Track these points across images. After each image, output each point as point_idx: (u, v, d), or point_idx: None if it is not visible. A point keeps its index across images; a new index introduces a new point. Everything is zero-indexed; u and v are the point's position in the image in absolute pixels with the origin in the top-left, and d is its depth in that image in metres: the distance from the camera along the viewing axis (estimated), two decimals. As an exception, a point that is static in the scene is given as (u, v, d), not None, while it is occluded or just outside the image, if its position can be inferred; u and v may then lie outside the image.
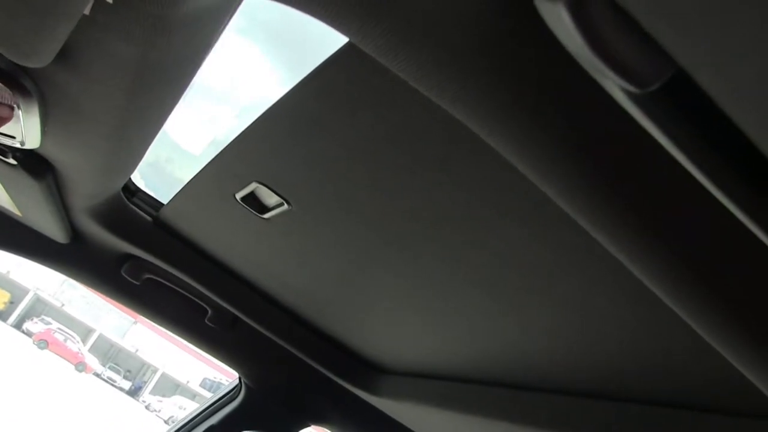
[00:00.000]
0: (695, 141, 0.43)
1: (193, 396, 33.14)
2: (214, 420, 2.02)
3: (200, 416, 2.06)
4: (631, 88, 0.39)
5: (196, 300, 1.96)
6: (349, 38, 0.60)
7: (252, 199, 1.34)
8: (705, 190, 0.48)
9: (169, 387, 35.09)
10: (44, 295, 34.07)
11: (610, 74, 0.39)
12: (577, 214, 0.64)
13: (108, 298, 2.09)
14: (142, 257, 1.87)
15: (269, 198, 1.31)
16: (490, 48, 0.52)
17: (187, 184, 1.51)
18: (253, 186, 1.29)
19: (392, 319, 1.55)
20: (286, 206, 1.27)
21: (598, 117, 0.54)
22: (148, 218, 1.78)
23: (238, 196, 1.35)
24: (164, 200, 1.71)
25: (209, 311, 1.97)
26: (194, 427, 2.05)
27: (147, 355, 35.92)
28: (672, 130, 0.43)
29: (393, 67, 0.59)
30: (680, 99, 0.40)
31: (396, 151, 0.95)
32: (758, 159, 0.39)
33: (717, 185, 0.46)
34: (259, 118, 1.07)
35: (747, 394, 0.76)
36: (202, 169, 1.39)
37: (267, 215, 1.35)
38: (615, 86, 0.41)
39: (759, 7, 0.29)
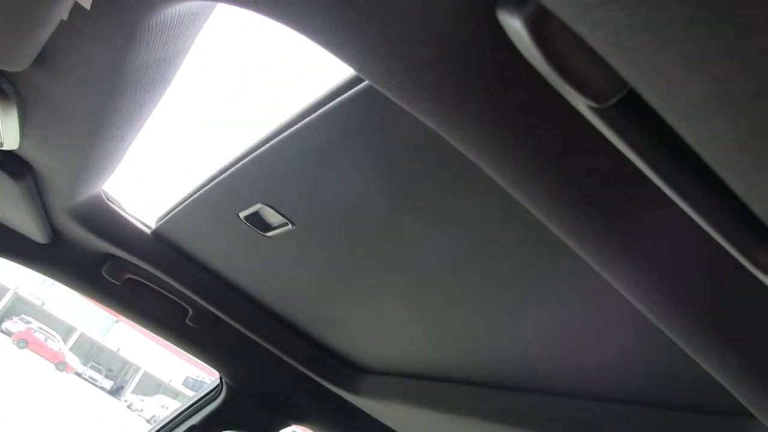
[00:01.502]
0: (654, 150, 0.45)
1: (175, 395, 32.95)
2: (195, 420, 2.02)
3: (181, 416, 2.06)
4: (590, 103, 0.41)
5: (177, 300, 1.96)
6: (327, 50, 0.61)
7: (256, 219, 1.35)
8: (669, 199, 0.50)
9: (152, 386, 34.86)
10: (24, 294, 33.70)
11: (569, 89, 0.40)
12: (545, 219, 0.66)
13: (89, 299, 2.09)
14: (123, 257, 1.86)
15: (273, 218, 1.32)
16: (457, 59, 0.54)
17: (191, 199, 1.52)
18: (258, 207, 1.30)
19: (372, 319, 1.56)
20: (290, 226, 1.29)
21: (563, 126, 0.56)
22: (146, 229, 1.80)
23: (242, 215, 1.36)
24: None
25: (190, 311, 1.97)
26: (175, 427, 2.05)
27: (129, 354, 35.66)
28: (632, 140, 0.45)
29: (369, 78, 0.60)
30: (637, 111, 0.42)
31: (399, 183, 0.99)
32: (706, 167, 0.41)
33: (677, 191, 0.48)
34: (271, 144, 1.08)
35: (721, 393, 0.79)
36: (207, 187, 1.40)
37: (270, 234, 1.37)
38: (576, 99, 0.42)
39: (691, 41, 0.32)
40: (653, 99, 0.36)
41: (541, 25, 0.39)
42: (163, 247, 1.81)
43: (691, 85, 0.33)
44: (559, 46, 0.39)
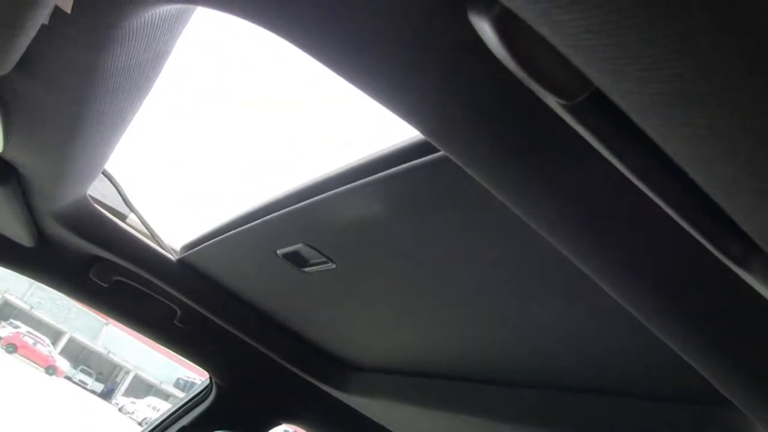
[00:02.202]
0: (624, 145, 0.46)
1: (166, 397, 32.82)
2: (185, 420, 2.02)
3: (172, 417, 2.06)
4: (559, 100, 0.42)
5: (165, 301, 1.96)
6: (305, 52, 0.62)
7: (294, 256, 1.37)
8: (645, 194, 0.52)
9: (143, 388, 34.71)
10: (12, 299, 33.45)
11: (538, 87, 0.42)
12: (525, 215, 0.67)
13: (77, 301, 2.09)
14: (110, 259, 1.86)
15: (313, 257, 1.33)
16: (436, 61, 0.55)
17: (225, 236, 1.54)
18: (298, 247, 1.32)
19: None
20: (330, 265, 1.30)
21: (540, 122, 0.57)
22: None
23: (281, 252, 1.38)
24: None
25: (178, 312, 1.97)
26: (166, 429, 2.05)
27: (119, 357, 35.49)
28: (602, 135, 0.46)
29: (347, 78, 0.61)
30: (605, 108, 0.43)
31: (438, 241, 1.04)
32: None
33: (648, 186, 0.49)
34: (325, 195, 1.09)
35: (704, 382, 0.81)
36: (246, 226, 1.41)
37: (307, 269, 1.39)
38: (546, 97, 0.44)
39: (645, 43, 0.32)
40: (615, 97, 0.38)
41: (507, 26, 0.40)
42: (160, 255, 1.82)
43: (647, 84, 0.34)
44: (525, 46, 0.41)
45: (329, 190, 1.06)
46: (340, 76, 0.63)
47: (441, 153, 0.79)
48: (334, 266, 1.29)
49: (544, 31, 0.36)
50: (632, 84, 0.35)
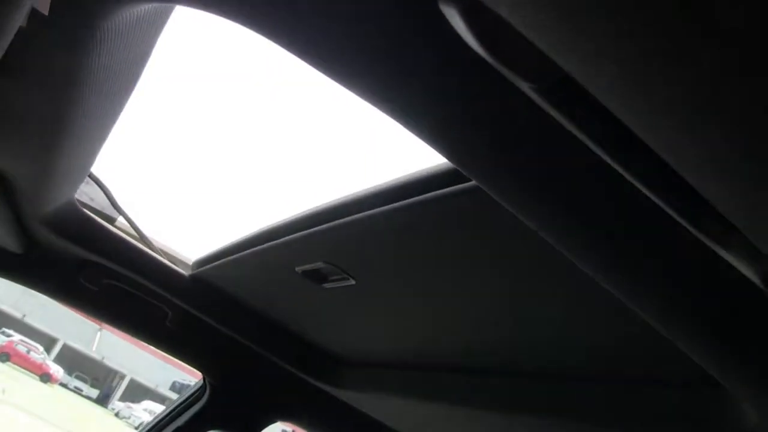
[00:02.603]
0: (594, 125, 0.47)
1: (162, 400, 32.72)
2: (180, 422, 2.02)
3: (166, 418, 2.06)
4: (530, 84, 0.43)
5: (157, 303, 1.96)
6: (278, 44, 0.62)
7: (314, 273, 1.38)
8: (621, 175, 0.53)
9: (138, 393, 34.60)
10: (4, 307, 33.25)
11: (507, 73, 0.42)
12: (504, 202, 0.68)
13: (68, 306, 2.08)
14: (100, 263, 1.86)
15: (333, 273, 1.34)
16: (407, 51, 0.56)
17: (242, 254, 1.55)
18: (318, 264, 1.32)
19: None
20: (350, 281, 1.31)
21: (513, 107, 0.58)
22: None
23: (300, 269, 1.38)
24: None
25: (169, 313, 1.97)
26: (161, 430, 2.04)
27: (114, 362, 35.36)
28: (573, 116, 0.47)
29: (322, 70, 0.62)
30: (576, 90, 0.44)
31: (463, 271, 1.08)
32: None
33: (621, 165, 0.50)
34: (352, 218, 1.09)
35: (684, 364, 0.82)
36: (266, 245, 1.41)
37: (326, 285, 1.40)
38: (518, 81, 0.44)
39: (599, 23, 0.33)
40: (579, 77, 0.38)
41: (474, 13, 0.41)
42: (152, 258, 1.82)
43: (605, 65, 0.35)
44: (493, 33, 0.41)
45: (355, 213, 1.07)
46: (314, 66, 0.63)
47: (468, 184, 0.81)
48: (353, 282, 1.31)
49: (503, 10, 0.36)
50: (591, 64, 0.36)
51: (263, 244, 1.42)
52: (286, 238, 1.31)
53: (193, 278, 1.87)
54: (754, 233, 0.48)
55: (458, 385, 1.53)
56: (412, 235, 1.05)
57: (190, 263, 1.94)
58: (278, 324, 1.92)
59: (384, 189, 1.00)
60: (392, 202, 0.97)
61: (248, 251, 1.50)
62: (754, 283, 0.57)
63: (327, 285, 1.39)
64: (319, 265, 1.32)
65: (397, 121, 0.68)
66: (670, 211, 0.53)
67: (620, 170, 0.51)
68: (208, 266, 1.77)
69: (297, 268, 1.38)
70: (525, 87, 0.45)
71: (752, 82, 0.33)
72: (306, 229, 1.23)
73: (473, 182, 0.78)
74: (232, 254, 1.60)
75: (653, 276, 0.72)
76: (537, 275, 0.97)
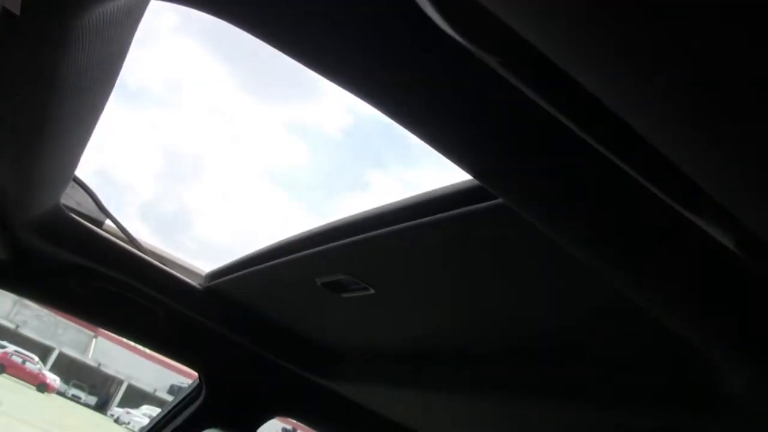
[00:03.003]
0: (558, 94, 0.47)
1: (161, 404, 32.65)
2: (178, 422, 2.02)
3: (164, 419, 2.06)
4: (497, 59, 0.43)
5: (149, 305, 1.95)
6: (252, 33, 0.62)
7: (335, 285, 1.38)
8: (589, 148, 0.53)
9: (136, 398, 34.54)
10: (-3, 319, 33.13)
11: (472, 48, 0.42)
12: (478, 178, 0.69)
13: (61, 313, 2.08)
14: (90, 267, 1.85)
15: (353, 284, 1.35)
16: (376, 32, 0.56)
17: (261, 267, 1.55)
18: (339, 276, 1.33)
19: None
20: (370, 291, 1.32)
21: (481, 84, 0.58)
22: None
23: (320, 281, 1.39)
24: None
25: (162, 314, 1.96)
26: (159, 431, 2.04)
27: (110, 368, 35.27)
28: (541, 89, 0.47)
29: (295, 56, 0.62)
30: (541, 63, 0.44)
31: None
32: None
33: (594, 138, 0.50)
34: (375, 233, 1.10)
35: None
36: (286, 258, 1.42)
37: (345, 295, 1.40)
38: (485, 57, 0.44)
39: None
40: (543, 49, 0.38)
41: None
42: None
43: (561, 32, 0.35)
44: (454, 7, 0.41)
45: (379, 228, 1.08)
46: (283, 51, 0.64)
47: (493, 202, 0.82)
48: (372, 292, 1.32)
49: None
50: (554, 35, 0.36)
51: (284, 257, 1.43)
52: (309, 251, 1.32)
53: (207, 290, 1.88)
54: (727, 200, 0.49)
55: (454, 374, 1.54)
56: (436, 250, 1.07)
57: (201, 273, 1.95)
58: (278, 325, 1.92)
59: (410, 204, 1.01)
60: (418, 218, 0.99)
61: (268, 264, 1.51)
62: (728, 249, 0.58)
63: (346, 295, 1.40)
64: (340, 276, 1.33)
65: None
66: (641, 178, 0.53)
67: (595, 144, 0.51)
68: (223, 279, 1.79)
69: (318, 280, 1.39)
70: (493, 63, 0.46)
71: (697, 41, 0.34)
72: (329, 243, 1.24)
73: (498, 200, 0.80)
74: (249, 267, 1.62)
75: (625, 245, 0.72)
76: (542, 281, 1.01)
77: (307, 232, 1.33)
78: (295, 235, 1.38)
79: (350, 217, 1.18)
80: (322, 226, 1.27)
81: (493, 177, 0.74)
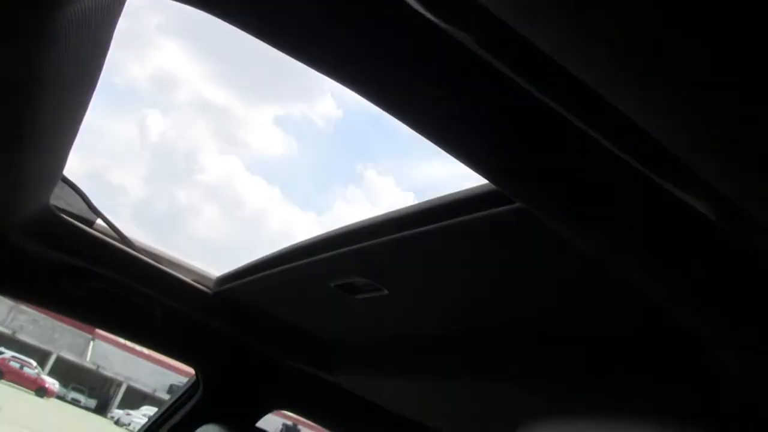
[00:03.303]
0: (542, 76, 0.48)
1: (160, 404, 32.55)
2: (175, 419, 2.02)
3: (161, 418, 2.06)
4: (472, 36, 0.43)
5: (143, 303, 1.95)
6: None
7: (348, 287, 1.39)
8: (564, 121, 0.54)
9: (136, 399, 34.50)
10: (-7, 325, 33.02)
11: (448, 27, 0.42)
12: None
13: (57, 315, 2.07)
14: (83, 267, 1.84)
15: (367, 286, 1.36)
16: (351, 15, 0.57)
17: (272, 271, 1.56)
18: (353, 279, 1.34)
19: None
20: (384, 291, 1.33)
21: (461, 63, 0.58)
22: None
23: (334, 284, 1.40)
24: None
25: (157, 312, 1.96)
26: (158, 429, 2.04)
27: (109, 370, 35.22)
28: (520, 68, 0.47)
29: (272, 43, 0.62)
30: (519, 42, 0.44)
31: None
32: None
33: (573, 114, 0.51)
34: (390, 237, 1.11)
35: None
36: (299, 262, 1.42)
37: (359, 297, 1.41)
38: (460, 36, 0.44)
39: None
40: (519, 29, 0.38)
41: None
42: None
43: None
44: None
45: (396, 232, 1.09)
46: (261, 38, 0.64)
47: (511, 206, 0.84)
48: (386, 293, 1.33)
49: None
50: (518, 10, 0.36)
51: (297, 261, 1.43)
52: (322, 255, 1.32)
53: (217, 295, 1.89)
54: (701, 166, 0.49)
55: (440, 359, 1.55)
56: (453, 254, 1.08)
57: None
58: (275, 320, 1.92)
59: (427, 208, 1.02)
60: (435, 222, 0.99)
61: (281, 267, 1.52)
62: (705, 216, 0.58)
63: (360, 296, 1.41)
64: (354, 279, 1.34)
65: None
66: (623, 154, 0.54)
67: (575, 120, 0.51)
68: (233, 283, 1.79)
69: (331, 283, 1.40)
70: (471, 44, 0.46)
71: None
72: (344, 247, 1.24)
73: (516, 204, 0.82)
74: (261, 271, 1.62)
75: (605, 215, 0.73)
76: (552, 277, 1.03)
77: (324, 234, 1.34)
78: (312, 238, 1.39)
79: (369, 219, 1.18)
80: (340, 229, 1.28)
81: (511, 181, 0.75)
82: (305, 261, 1.39)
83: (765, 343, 0.78)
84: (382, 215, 1.13)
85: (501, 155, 0.72)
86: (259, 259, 1.63)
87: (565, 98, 0.52)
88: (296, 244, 1.44)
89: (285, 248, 1.49)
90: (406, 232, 1.06)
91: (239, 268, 1.76)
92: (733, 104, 0.40)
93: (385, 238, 1.11)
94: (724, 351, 0.87)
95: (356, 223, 1.21)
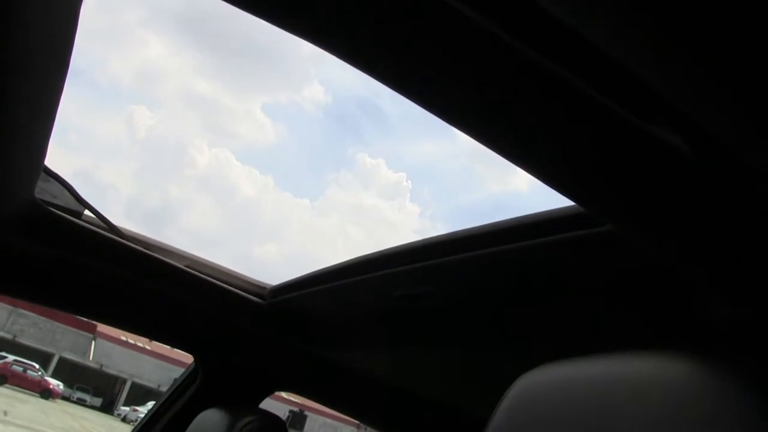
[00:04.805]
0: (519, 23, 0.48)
1: (167, 399, 32.81)
2: (177, 407, 2.01)
3: (163, 406, 2.05)
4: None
5: (136, 291, 1.94)
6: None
7: (411, 296, 1.39)
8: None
9: (142, 394, 34.65)
10: (-7, 331, 33.02)
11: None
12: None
13: (58, 317, 2.07)
14: (73, 259, 1.83)
15: (426, 296, 1.36)
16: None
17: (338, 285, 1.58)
18: (421, 289, 1.34)
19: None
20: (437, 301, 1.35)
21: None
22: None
23: (398, 293, 1.40)
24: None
25: (152, 299, 1.95)
26: (159, 418, 2.04)
27: (112, 368, 35.34)
28: (507, 22, 0.48)
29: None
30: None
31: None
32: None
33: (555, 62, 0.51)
34: (464, 255, 1.12)
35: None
36: (363, 276, 1.44)
37: (417, 305, 1.41)
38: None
39: None
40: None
41: None
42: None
43: None
44: None
45: (464, 252, 1.10)
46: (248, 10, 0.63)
47: (598, 229, 0.85)
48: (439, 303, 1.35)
49: None
50: None
51: (360, 275, 1.44)
52: (390, 269, 1.33)
53: (271, 306, 1.90)
54: (679, 100, 0.49)
55: (437, 332, 1.55)
56: (508, 281, 1.12)
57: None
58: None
59: (507, 227, 1.03)
60: (514, 242, 1.00)
61: (344, 281, 1.54)
62: (684, 153, 0.58)
63: (419, 305, 1.41)
64: (421, 290, 1.34)
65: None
66: (601, 96, 0.54)
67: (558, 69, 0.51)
68: (288, 295, 1.82)
69: (395, 293, 1.40)
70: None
71: None
72: (414, 263, 1.26)
73: (606, 227, 0.83)
74: (321, 284, 1.65)
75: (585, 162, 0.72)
76: None
77: (394, 249, 1.35)
78: (377, 254, 1.40)
79: (447, 234, 1.19)
80: (411, 244, 1.30)
81: (599, 204, 0.76)
82: (372, 274, 1.40)
83: (753, 293, 0.79)
84: (464, 230, 1.15)
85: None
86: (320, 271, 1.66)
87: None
88: (361, 258, 1.46)
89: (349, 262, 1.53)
90: (481, 251, 1.08)
91: (299, 279, 1.78)
92: None
93: (462, 255, 1.12)
94: (713, 299, 0.87)
95: (432, 239, 1.23)
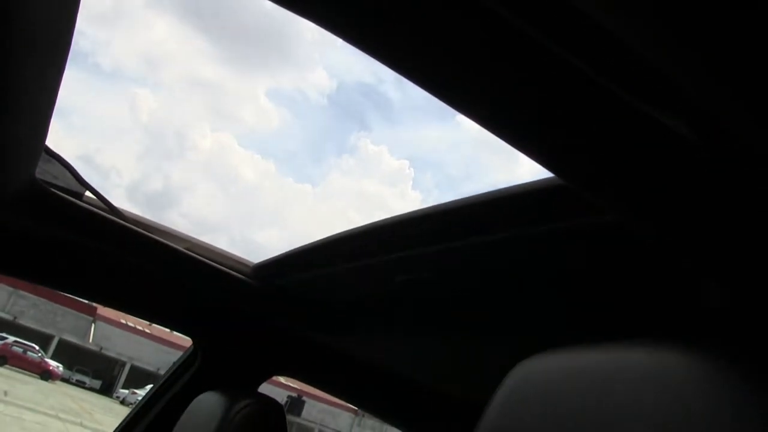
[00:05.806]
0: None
1: (166, 382, 32.94)
2: (175, 389, 2.02)
3: (162, 388, 2.06)
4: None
5: (136, 273, 1.94)
6: None
7: (413, 282, 1.39)
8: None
9: (141, 378, 34.82)
10: (-7, 312, 33.12)
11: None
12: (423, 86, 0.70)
13: (59, 299, 2.07)
14: (75, 240, 1.83)
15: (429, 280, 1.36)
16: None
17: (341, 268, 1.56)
18: (420, 275, 1.35)
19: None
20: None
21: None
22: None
23: (398, 279, 1.40)
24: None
25: (152, 282, 1.95)
26: (157, 400, 2.05)
27: (112, 351, 35.47)
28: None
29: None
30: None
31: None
32: None
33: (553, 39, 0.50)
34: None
35: None
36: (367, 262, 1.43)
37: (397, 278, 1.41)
38: None
39: None
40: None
41: None
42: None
43: None
44: None
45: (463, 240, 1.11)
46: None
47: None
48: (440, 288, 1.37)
49: None
50: None
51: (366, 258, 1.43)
52: (397, 253, 1.32)
53: (271, 288, 1.89)
54: (687, 85, 0.49)
55: (435, 318, 1.56)
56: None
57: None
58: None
59: (511, 214, 1.02)
60: (516, 229, 1.01)
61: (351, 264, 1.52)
62: (683, 136, 0.57)
63: (420, 289, 1.42)
64: (423, 275, 1.35)
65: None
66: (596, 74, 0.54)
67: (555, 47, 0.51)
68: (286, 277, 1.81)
69: (397, 279, 1.40)
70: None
71: None
72: (420, 246, 1.24)
73: (608, 215, 0.83)
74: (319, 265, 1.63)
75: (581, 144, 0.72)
76: None
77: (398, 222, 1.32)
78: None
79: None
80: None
81: (602, 191, 0.76)
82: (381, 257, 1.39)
83: (747, 276, 0.79)
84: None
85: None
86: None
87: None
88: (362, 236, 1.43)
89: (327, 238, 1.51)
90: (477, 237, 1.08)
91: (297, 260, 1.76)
92: None
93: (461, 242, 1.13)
94: (713, 288, 0.88)
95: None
